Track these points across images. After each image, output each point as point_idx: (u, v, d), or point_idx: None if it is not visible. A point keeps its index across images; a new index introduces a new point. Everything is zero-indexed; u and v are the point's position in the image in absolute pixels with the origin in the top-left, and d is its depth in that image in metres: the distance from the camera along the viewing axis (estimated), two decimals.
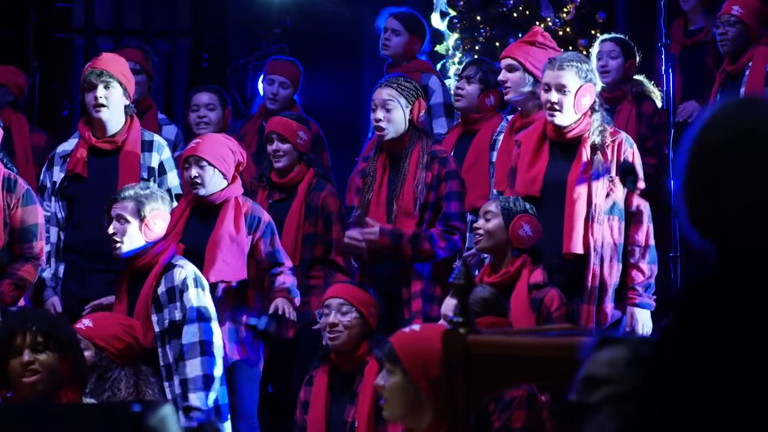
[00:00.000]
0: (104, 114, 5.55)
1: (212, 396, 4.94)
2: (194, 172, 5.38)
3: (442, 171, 5.47)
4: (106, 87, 5.54)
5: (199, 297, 4.98)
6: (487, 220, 4.93)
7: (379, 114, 5.49)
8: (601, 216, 4.96)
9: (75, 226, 5.54)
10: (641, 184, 4.86)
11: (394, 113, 5.48)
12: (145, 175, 5.59)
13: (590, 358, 2.52)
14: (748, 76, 6.21)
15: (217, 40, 9.20)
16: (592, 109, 5.05)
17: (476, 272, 5.13)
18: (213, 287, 5.35)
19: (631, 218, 5.02)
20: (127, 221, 5.03)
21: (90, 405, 3.79)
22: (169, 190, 5.53)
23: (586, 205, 4.96)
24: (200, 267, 5.32)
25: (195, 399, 4.87)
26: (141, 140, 5.63)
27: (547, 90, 5.02)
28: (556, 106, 4.99)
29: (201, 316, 4.95)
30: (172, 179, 5.65)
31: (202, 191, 5.42)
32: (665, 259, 6.43)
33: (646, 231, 5.03)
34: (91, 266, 5.54)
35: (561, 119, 5.02)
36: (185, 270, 5.02)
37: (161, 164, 5.63)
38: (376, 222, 5.39)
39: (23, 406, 3.54)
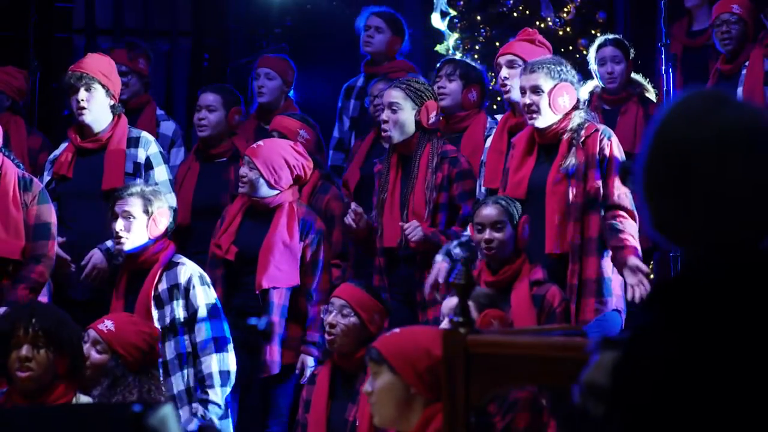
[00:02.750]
0: (87, 117, 5.57)
1: (227, 392, 4.99)
2: (243, 171, 5.52)
3: (453, 171, 5.46)
4: (87, 89, 5.55)
5: (207, 294, 5.03)
6: (498, 230, 4.84)
7: (385, 115, 5.49)
8: (578, 214, 4.95)
9: (63, 225, 5.53)
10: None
11: (399, 115, 5.47)
12: (130, 170, 5.59)
13: (593, 363, 2.51)
14: (746, 75, 6.21)
15: (217, 40, 9.20)
16: (575, 108, 5.05)
17: None
18: (266, 293, 5.38)
19: (614, 202, 4.98)
20: (134, 217, 5.05)
21: (90, 405, 3.80)
22: (156, 185, 5.52)
23: (564, 204, 4.96)
24: (253, 270, 5.39)
25: (214, 395, 4.93)
26: (127, 137, 5.63)
27: (523, 94, 5.04)
28: (533, 107, 5.00)
29: (212, 314, 5.00)
30: (160, 174, 5.64)
31: (242, 189, 5.51)
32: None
33: (632, 216, 4.98)
34: (80, 264, 5.52)
35: (540, 121, 5.02)
36: (189, 268, 5.05)
37: (148, 159, 5.63)
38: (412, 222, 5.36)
39: (23, 407, 3.55)
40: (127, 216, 5.05)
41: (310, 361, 5.51)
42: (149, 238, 5.08)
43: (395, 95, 5.50)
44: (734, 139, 1.89)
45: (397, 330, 3.44)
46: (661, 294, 1.92)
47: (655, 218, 1.94)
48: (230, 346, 5.02)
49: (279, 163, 5.54)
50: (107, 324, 4.45)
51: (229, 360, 5.00)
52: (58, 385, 3.82)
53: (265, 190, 5.51)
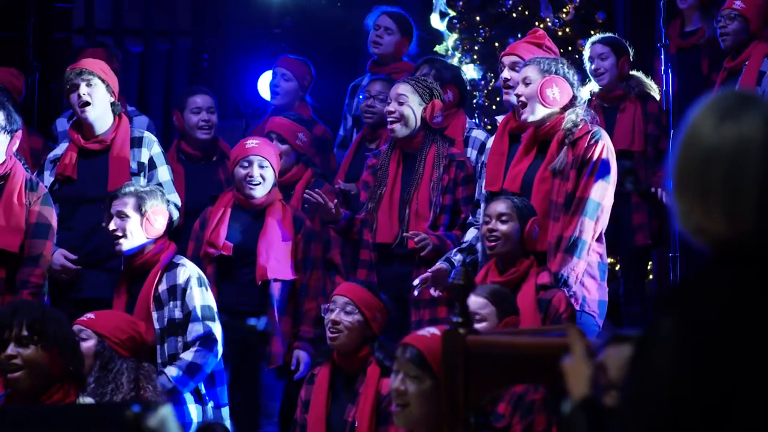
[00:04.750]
0: (90, 113, 5.55)
1: (191, 386, 4.93)
2: (257, 171, 5.50)
3: (460, 174, 5.47)
4: (89, 85, 5.54)
5: (204, 296, 5.01)
6: (503, 222, 4.82)
7: (392, 107, 5.50)
8: (559, 213, 4.94)
9: (67, 227, 5.53)
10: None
11: (406, 108, 5.48)
12: (135, 170, 5.59)
13: (602, 356, 2.52)
14: (743, 73, 6.21)
15: (217, 40, 9.20)
16: (571, 105, 5.04)
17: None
18: (266, 285, 5.39)
19: (578, 204, 4.94)
20: (128, 217, 5.04)
21: (90, 405, 3.78)
22: (159, 185, 5.53)
23: (547, 202, 4.95)
24: (250, 265, 5.42)
25: (172, 370, 4.89)
26: (130, 137, 5.63)
27: (516, 85, 5.08)
28: (522, 98, 5.01)
29: (205, 315, 4.99)
30: (163, 174, 5.64)
31: (260, 191, 5.53)
32: (665, 259, 6.44)
33: (576, 223, 4.91)
34: (84, 266, 5.52)
35: (530, 115, 5.02)
36: (189, 269, 5.04)
37: (151, 159, 5.63)
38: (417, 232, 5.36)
39: (23, 408, 3.54)
40: (121, 215, 5.06)
41: (304, 357, 5.52)
42: (147, 239, 5.08)
43: (404, 89, 5.52)
44: (756, 141, 1.89)
45: (435, 331, 3.31)
46: (679, 293, 1.92)
47: (681, 218, 1.95)
48: (217, 349, 4.98)
49: (278, 158, 5.64)
50: (88, 315, 4.61)
51: (209, 360, 4.95)
52: (58, 386, 3.77)
53: (267, 188, 5.54)
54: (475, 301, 4.23)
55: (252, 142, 5.62)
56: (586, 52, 6.67)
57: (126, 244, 5.07)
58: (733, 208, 1.88)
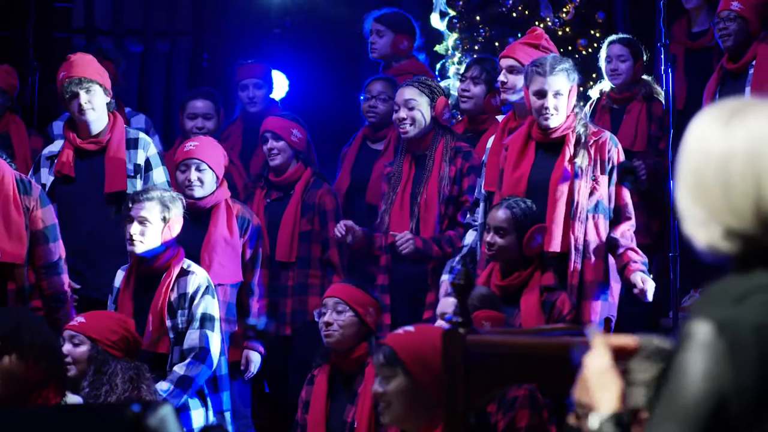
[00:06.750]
0: (91, 115, 5.56)
1: (180, 397, 4.89)
2: (194, 175, 5.46)
3: (465, 165, 5.51)
4: (88, 92, 5.55)
5: (208, 304, 4.99)
6: (501, 237, 4.82)
7: (402, 113, 5.54)
8: (584, 214, 4.94)
9: (66, 226, 5.51)
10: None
11: (416, 112, 5.51)
12: (131, 172, 5.58)
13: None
14: (753, 75, 6.19)
15: (217, 40, 9.19)
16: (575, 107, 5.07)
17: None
18: None
19: (619, 213, 5.01)
20: (150, 223, 5.00)
21: (89, 405, 3.78)
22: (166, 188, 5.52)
23: (568, 203, 4.95)
24: None
25: (162, 384, 4.84)
26: (126, 138, 5.63)
27: (542, 96, 4.97)
28: (554, 111, 4.97)
29: (205, 324, 4.95)
30: (158, 176, 5.63)
31: (199, 192, 5.47)
32: (665, 259, 6.43)
33: (634, 224, 5.06)
34: (82, 265, 5.51)
35: (555, 121, 5.00)
36: (199, 277, 5.02)
37: (147, 160, 5.62)
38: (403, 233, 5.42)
39: (23, 408, 3.53)
40: (143, 221, 4.99)
41: (254, 356, 5.55)
42: (161, 243, 5.04)
43: (410, 93, 5.55)
44: (759, 148, 1.89)
45: (410, 328, 3.43)
46: (711, 298, 1.90)
47: (696, 226, 1.94)
48: (211, 359, 4.95)
49: (220, 156, 5.59)
50: (78, 319, 4.58)
51: (201, 371, 4.92)
52: (36, 393, 3.71)
53: (212, 188, 5.51)
54: (446, 300, 4.32)
55: (190, 145, 5.57)
56: (603, 51, 6.71)
57: (141, 248, 5.01)
58: (759, 200, 1.87)
